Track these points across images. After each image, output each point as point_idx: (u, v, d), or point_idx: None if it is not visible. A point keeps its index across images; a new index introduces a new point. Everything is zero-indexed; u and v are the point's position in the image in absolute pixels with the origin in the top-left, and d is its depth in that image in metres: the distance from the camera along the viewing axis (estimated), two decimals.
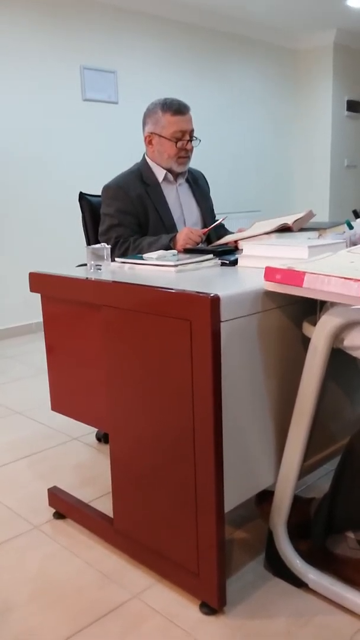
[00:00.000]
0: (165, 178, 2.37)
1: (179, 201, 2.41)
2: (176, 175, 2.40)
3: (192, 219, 2.45)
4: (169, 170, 2.36)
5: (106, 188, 2.33)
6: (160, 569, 1.65)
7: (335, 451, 1.77)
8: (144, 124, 2.36)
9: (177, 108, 2.27)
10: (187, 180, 2.47)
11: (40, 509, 2.04)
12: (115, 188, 2.30)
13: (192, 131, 2.32)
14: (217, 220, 2.39)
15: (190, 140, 2.31)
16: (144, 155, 2.41)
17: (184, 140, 2.29)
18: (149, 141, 2.35)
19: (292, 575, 1.59)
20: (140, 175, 2.35)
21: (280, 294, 1.40)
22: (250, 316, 1.44)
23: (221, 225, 2.56)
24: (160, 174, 2.36)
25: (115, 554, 1.77)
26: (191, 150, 2.35)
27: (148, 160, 2.38)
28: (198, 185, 2.52)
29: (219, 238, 2.30)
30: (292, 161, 6.70)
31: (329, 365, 1.41)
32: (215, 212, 2.61)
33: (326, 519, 1.59)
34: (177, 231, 2.28)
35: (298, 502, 1.70)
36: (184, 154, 2.33)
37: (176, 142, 2.28)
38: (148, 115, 2.33)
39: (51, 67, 4.50)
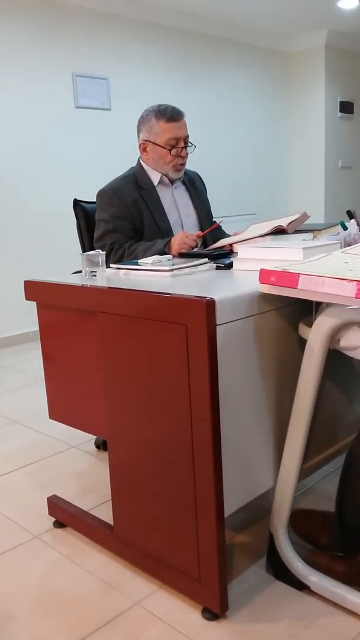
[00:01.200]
0: (161, 181, 2.36)
1: (176, 204, 2.40)
2: (172, 179, 2.39)
3: (189, 221, 2.43)
4: (165, 175, 2.36)
5: (101, 193, 2.32)
6: (161, 576, 1.64)
7: (335, 452, 1.76)
8: (138, 131, 2.35)
9: (170, 115, 2.26)
10: (183, 182, 2.46)
11: (40, 518, 2.03)
12: (110, 193, 2.29)
13: (186, 137, 2.30)
14: (213, 224, 2.38)
15: (185, 146, 2.31)
16: (138, 159, 2.40)
17: (178, 147, 2.28)
18: (143, 148, 2.34)
19: (293, 578, 1.58)
20: (135, 179, 2.34)
21: (276, 296, 1.40)
22: (246, 319, 1.43)
23: (218, 228, 2.55)
24: (155, 177, 2.35)
25: (116, 561, 1.76)
26: (186, 156, 2.33)
27: (143, 164, 2.38)
28: (195, 187, 2.50)
29: (216, 241, 2.30)
30: (287, 163, 6.71)
31: (326, 366, 1.41)
32: (212, 214, 2.61)
33: (339, 534, 1.57)
34: (173, 235, 2.27)
35: (316, 516, 1.68)
36: (180, 162, 2.31)
37: (170, 150, 2.27)
38: (142, 122, 2.32)
39: (43, 74, 4.51)
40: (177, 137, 2.27)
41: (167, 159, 2.29)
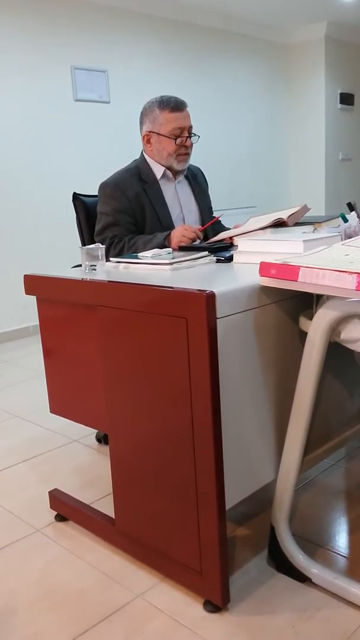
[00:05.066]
0: (164, 175, 2.34)
1: (178, 199, 2.39)
2: (175, 173, 2.37)
3: (191, 216, 2.42)
4: (168, 168, 2.34)
5: (103, 186, 2.30)
6: (163, 569, 1.64)
7: (336, 445, 1.76)
8: (141, 122, 2.33)
9: (174, 105, 2.25)
10: (186, 177, 2.44)
11: (42, 512, 2.03)
12: (112, 186, 2.27)
13: (190, 127, 2.29)
14: (213, 218, 2.37)
15: (189, 136, 2.30)
16: (142, 152, 2.39)
17: (182, 137, 2.27)
18: (147, 140, 2.32)
19: (295, 570, 1.59)
20: (139, 172, 2.32)
21: (276, 289, 1.40)
22: (247, 312, 1.43)
23: (218, 222, 2.54)
24: (158, 171, 2.33)
25: (118, 554, 1.76)
26: (190, 146, 2.32)
27: (146, 157, 2.36)
28: (197, 182, 2.49)
29: (216, 234, 2.29)
30: (287, 156, 6.69)
31: (327, 359, 1.40)
32: (213, 208, 2.60)
33: None
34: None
35: None
36: (184, 151, 2.30)
37: (175, 139, 2.26)
38: (145, 114, 2.31)
39: (42, 67, 4.49)
40: (182, 126, 2.26)
41: (171, 149, 2.27)
